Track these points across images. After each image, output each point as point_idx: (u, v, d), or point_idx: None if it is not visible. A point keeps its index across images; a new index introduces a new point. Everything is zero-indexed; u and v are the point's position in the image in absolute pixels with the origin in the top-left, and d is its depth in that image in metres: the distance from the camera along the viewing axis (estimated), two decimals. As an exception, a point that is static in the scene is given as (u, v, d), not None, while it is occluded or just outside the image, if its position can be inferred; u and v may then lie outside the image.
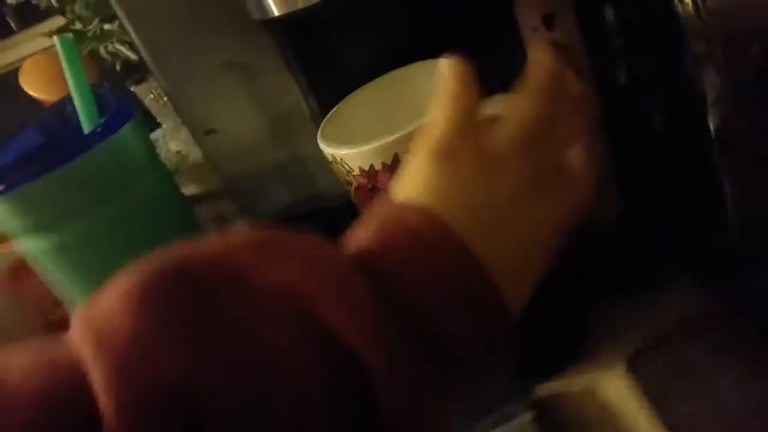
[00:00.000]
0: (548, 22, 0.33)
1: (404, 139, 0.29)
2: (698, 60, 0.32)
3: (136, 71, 0.57)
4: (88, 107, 0.38)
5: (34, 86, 0.46)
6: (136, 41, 0.35)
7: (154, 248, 0.19)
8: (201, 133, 0.38)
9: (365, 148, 0.30)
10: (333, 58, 0.36)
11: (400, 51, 0.34)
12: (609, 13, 0.33)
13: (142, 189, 0.36)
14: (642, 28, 0.36)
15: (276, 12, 0.30)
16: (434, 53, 0.34)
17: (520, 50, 0.33)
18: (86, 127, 0.38)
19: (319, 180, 0.40)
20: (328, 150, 0.32)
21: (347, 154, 0.31)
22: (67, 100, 0.42)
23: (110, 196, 0.35)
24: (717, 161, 0.34)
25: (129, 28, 0.35)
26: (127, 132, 0.35)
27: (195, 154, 0.55)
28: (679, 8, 0.32)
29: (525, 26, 0.33)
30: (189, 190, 0.53)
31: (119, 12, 0.35)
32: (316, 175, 0.40)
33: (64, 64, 0.38)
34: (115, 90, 0.39)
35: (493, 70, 0.33)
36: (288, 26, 0.33)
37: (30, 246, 0.35)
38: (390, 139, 0.30)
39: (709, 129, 0.34)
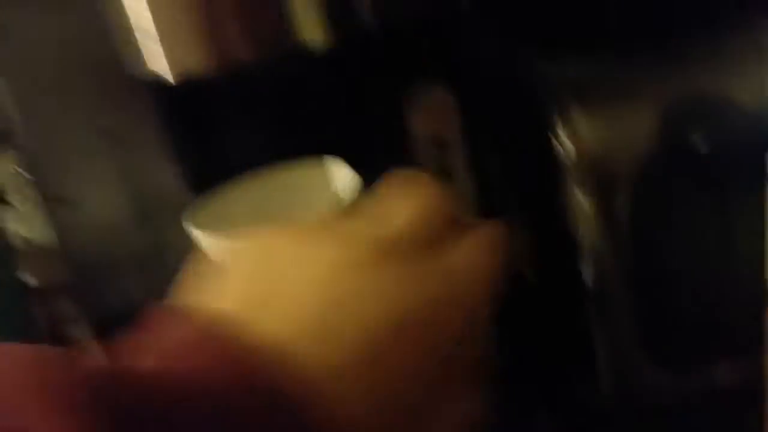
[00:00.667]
0: (438, 142, 0.34)
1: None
2: (572, 198, 0.34)
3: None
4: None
5: None
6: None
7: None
8: (56, 206, 0.34)
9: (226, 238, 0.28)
10: (217, 141, 0.34)
11: (287, 147, 0.33)
12: (492, 144, 0.35)
13: None
14: (521, 166, 0.37)
15: (167, 76, 0.28)
16: (322, 153, 0.34)
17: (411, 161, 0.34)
18: None
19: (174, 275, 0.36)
20: (195, 232, 0.30)
21: (211, 241, 0.29)
22: None
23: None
24: (591, 314, 0.34)
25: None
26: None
27: (43, 238, 0.50)
28: (556, 151, 0.33)
29: (417, 140, 0.33)
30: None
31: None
32: (179, 268, 0.36)
33: None
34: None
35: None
36: (172, 98, 0.31)
37: None
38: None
39: (581, 267, 0.34)
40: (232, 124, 0.34)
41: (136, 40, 0.29)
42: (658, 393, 0.35)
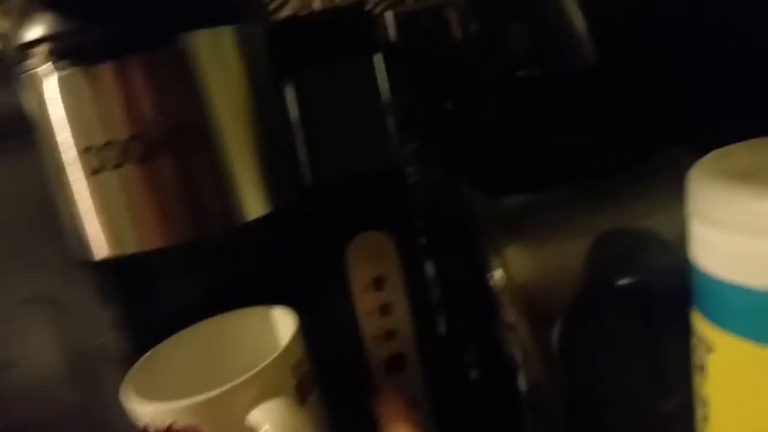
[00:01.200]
0: (378, 283, 0.34)
1: (199, 404, 0.27)
2: (507, 327, 0.35)
3: None
4: None
5: None
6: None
7: None
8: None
9: (163, 405, 0.28)
10: (156, 301, 0.34)
11: (230, 300, 0.33)
12: (430, 279, 0.36)
13: None
14: (458, 295, 0.38)
15: (101, 255, 0.28)
16: (261, 301, 0.34)
17: (348, 308, 0.34)
18: None
19: None
20: (128, 402, 0.29)
21: (145, 411, 0.28)
22: None
23: None
24: (526, 419, 0.35)
25: None
26: None
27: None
28: (491, 281, 0.34)
29: (356, 286, 0.34)
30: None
31: None
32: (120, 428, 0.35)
33: None
34: None
35: (319, 324, 0.33)
36: (112, 267, 0.31)
37: None
38: (187, 402, 0.28)
39: (517, 389, 0.35)
40: (173, 284, 0.34)
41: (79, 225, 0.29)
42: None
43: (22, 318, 0.33)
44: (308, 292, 0.34)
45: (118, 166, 0.26)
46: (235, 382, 0.28)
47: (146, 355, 0.33)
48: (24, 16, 0.27)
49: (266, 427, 0.27)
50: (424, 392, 0.36)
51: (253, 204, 0.28)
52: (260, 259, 0.34)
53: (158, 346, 0.33)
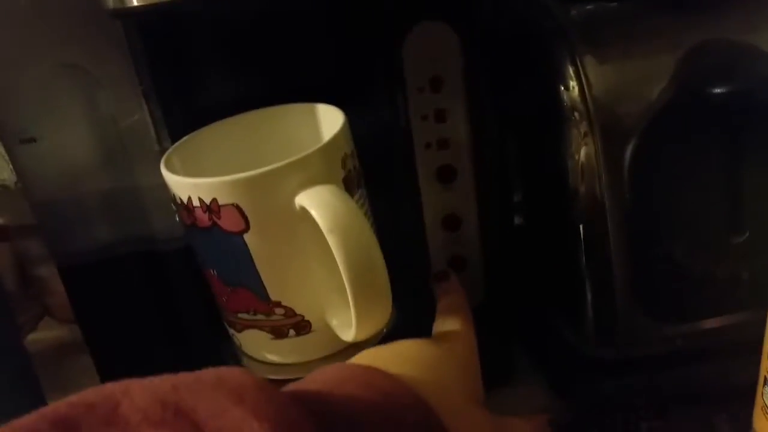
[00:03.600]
0: (435, 84, 0.31)
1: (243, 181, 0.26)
2: (573, 154, 0.32)
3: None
4: None
5: None
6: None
7: None
8: (17, 141, 0.32)
9: (206, 180, 0.27)
10: (194, 80, 0.32)
11: (268, 90, 0.31)
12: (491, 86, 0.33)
13: None
14: (521, 104, 0.35)
15: (135, 2, 0.25)
16: (306, 98, 0.32)
17: (403, 107, 0.31)
18: None
19: (153, 218, 0.34)
20: (169, 176, 0.28)
21: (187, 183, 0.27)
22: None
23: None
24: (582, 260, 0.34)
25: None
26: None
27: (5, 178, 0.47)
28: (565, 93, 0.32)
29: (411, 85, 0.31)
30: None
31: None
32: (150, 212, 0.34)
33: None
34: None
35: (367, 124, 0.30)
36: (148, 28, 0.28)
37: None
38: (228, 178, 0.26)
39: (576, 226, 0.34)
40: (212, 64, 0.32)
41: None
42: (646, 342, 0.35)
43: (52, 88, 0.31)
44: (358, 88, 0.31)
45: None
46: (282, 163, 0.26)
47: (186, 137, 0.31)
48: None
49: (313, 210, 0.25)
50: (475, 209, 0.34)
51: None
52: (310, 47, 0.32)
53: (199, 130, 0.32)
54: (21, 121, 0.32)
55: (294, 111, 0.32)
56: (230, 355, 0.33)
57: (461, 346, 0.29)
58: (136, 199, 0.34)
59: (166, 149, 0.31)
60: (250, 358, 0.32)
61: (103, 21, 0.29)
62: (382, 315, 0.27)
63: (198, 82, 0.32)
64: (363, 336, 0.27)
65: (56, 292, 0.49)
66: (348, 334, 0.28)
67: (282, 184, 0.26)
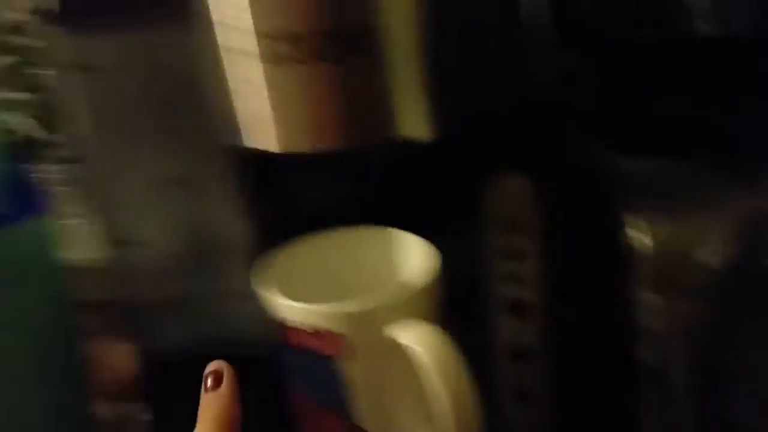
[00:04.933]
0: (513, 225, 0.34)
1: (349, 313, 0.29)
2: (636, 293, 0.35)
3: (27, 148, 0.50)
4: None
5: None
6: (75, 129, 0.32)
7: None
8: (114, 244, 0.34)
9: (313, 307, 0.29)
10: (292, 198, 0.35)
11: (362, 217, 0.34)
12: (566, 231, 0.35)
13: (30, 295, 0.30)
14: (590, 252, 0.38)
15: (257, 144, 0.29)
16: (395, 221, 0.34)
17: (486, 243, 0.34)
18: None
19: (234, 324, 0.36)
20: (266, 293, 0.31)
21: (290, 306, 0.30)
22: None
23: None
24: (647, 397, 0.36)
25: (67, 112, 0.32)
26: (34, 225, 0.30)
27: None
28: (627, 244, 0.34)
29: (492, 224, 0.34)
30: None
31: (61, 90, 0.32)
32: (232, 317, 0.36)
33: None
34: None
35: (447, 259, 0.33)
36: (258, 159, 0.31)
37: None
38: (334, 308, 0.29)
39: (636, 359, 0.35)
40: (308, 186, 0.35)
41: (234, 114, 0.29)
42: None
43: (153, 197, 0.34)
44: (442, 225, 0.34)
45: (300, 61, 0.26)
46: (388, 299, 0.29)
47: (276, 251, 0.34)
48: None
49: (419, 350, 0.28)
50: (542, 340, 0.36)
51: (415, 125, 0.28)
52: (398, 182, 0.35)
53: (288, 244, 0.35)
54: (120, 226, 0.34)
55: (386, 235, 0.35)
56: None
57: None
58: (216, 303, 0.36)
59: (259, 264, 0.34)
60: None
61: (214, 144, 0.32)
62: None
63: (293, 200, 0.35)
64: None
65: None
66: None
67: (386, 318, 0.29)
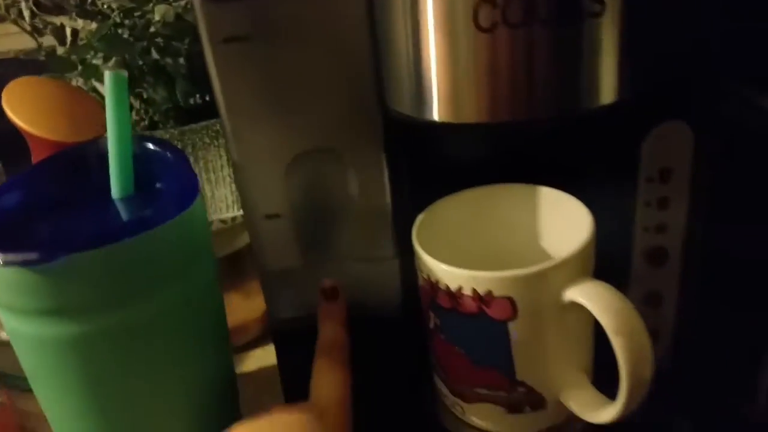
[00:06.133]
0: (665, 175, 0.34)
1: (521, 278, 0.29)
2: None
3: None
4: (125, 169, 0.32)
5: (24, 116, 0.39)
6: (220, 101, 0.31)
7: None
8: (262, 217, 0.34)
9: (485, 274, 0.29)
10: (437, 161, 0.34)
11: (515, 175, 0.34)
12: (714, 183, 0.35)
13: (191, 285, 0.31)
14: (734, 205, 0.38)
15: (437, 117, 0.28)
16: (543, 176, 0.34)
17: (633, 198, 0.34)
18: (117, 191, 0.33)
19: (371, 286, 0.37)
20: (428, 258, 0.31)
21: (462, 275, 0.30)
22: (87, 146, 0.36)
23: (155, 287, 0.30)
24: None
25: (216, 84, 0.31)
26: (192, 212, 0.30)
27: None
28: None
29: (642, 175, 0.34)
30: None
31: (212, 66, 0.31)
32: (366, 284, 0.37)
33: (108, 107, 0.32)
34: (171, 149, 0.34)
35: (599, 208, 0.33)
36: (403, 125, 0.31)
37: (39, 331, 0.29)
38: (509, 274, 0.29)
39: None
40: (455, 148, 0.34)
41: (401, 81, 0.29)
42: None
43: (299, 168, 0.34)
44: (598, 173, 0.34)
45: (512, 25, 0.25)
46: (556, 261, 0.29)
47: (422, 213, 0.34)
48: None
49: (596, 310, 0.28)
50: (677, 291, 0.36)
51: (607, 91, 0.28)
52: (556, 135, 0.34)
53: (436, 203, 0.35)
54: (267, 199, 0.34)
55: (536, 192, 0.35)
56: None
57: (333, 418, 0.31)
58: (361, 272, 0.36)
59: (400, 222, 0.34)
60: (473, 427, 0.35)
61: (364, 111, 0.32)
62: (639, 402, 0.29)
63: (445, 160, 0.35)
64: (620, 418, 0.29)
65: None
66: (601, 416, 0.30)
67: (554, 279, 0.29)
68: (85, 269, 0.27)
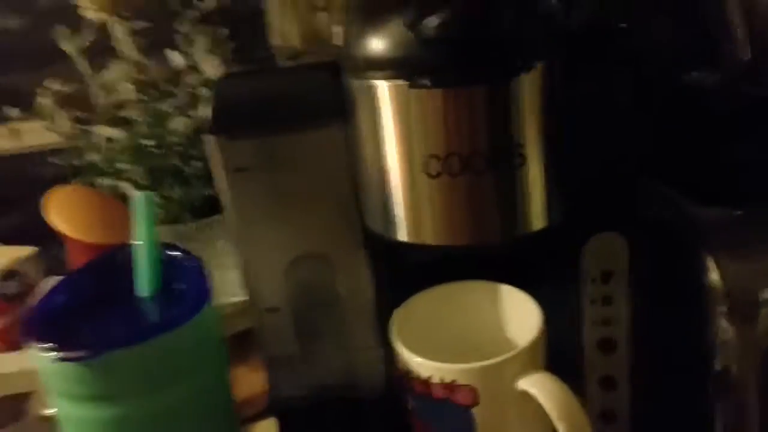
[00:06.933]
0: (605, 276, 0.40)
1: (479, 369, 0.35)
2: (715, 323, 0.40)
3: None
4: (151, 273, 0.39)
5: (64, 222, 0.46)
6: (231, 215, 0.39)
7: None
8: (263, 311, 0.41)
9: (451, 366, 0.35)
10: (410, 266, 0.41)
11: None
12: (651, 278, 0.41)
13: (207, 372, 0.38)
14: (673, 292, 0.44)
15: (407, 239, 0.35)
16: (495, 274, 0.41)
17: (580, 296, 0.41)
18: (145, 290, 0.39)
19: (359, 374, 0.43)
20: (403, 350, 0.37)
21: (431, 366, 0.36)
22: (116, 252, 0.43)
23: (178, 376, 0.36)
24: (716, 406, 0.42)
25: (228, 202, 0.38)
26: (207, 311, 0.37)
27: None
28: (707, 282, 0.40)
29: (585, 278, 0.40)
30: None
31: (224, 189, 0.38)
32: (357, 368, 0.43)
33: (139, 222, 0.39)
34: (187, 256, 0.41)
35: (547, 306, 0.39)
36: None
37: (83, 413, 0.35)
38: (469, 366, 0.35)
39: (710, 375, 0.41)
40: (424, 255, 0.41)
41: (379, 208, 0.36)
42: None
43: (293, 270, 0.40)
44: (549, 276, 0.40)
45: (453, 174, 0.32)
46: (514, 352, 0.35)
47: (399, 308, 0.40)
48: (369, 28, 0.33)
49: (542, 399, 0.34)
50: (628, 374, 0.43)
51: (537, 219, 0.35)
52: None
53: (409, 299, 0.41)
54: (268, 295, 0.41)
55: (494, 289, 0.41)
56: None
57: None
58: (350, 359, 0.42)
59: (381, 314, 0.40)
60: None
61: (348, 225, 0.39)
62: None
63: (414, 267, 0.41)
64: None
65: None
66: None
67: (508, 370, 0.35)
68: (122, 363, 0.33)
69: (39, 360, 0.35)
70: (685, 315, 0.44)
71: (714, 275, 0.40)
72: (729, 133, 0.44)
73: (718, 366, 0.41)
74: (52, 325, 0.36)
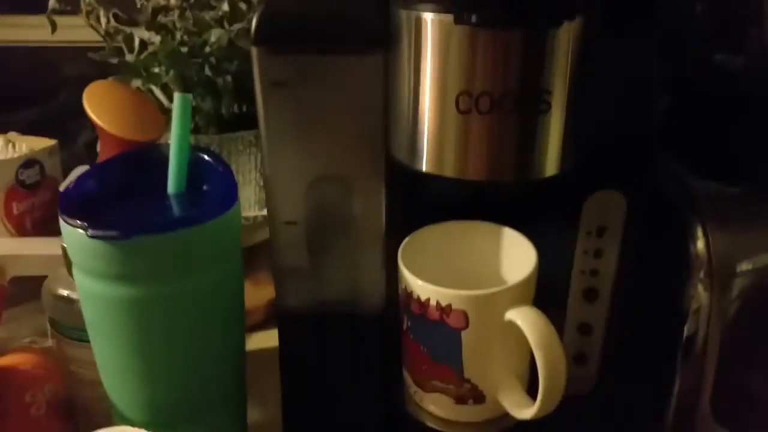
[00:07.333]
0: (601, 231, 0.43)
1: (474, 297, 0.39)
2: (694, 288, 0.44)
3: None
4: (180, 172, 0.42)
5: (102, 115, 0.48)
6: (263, 128, 0.41)
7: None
8: (282, 223, 0.43)
9: (448, 290, 0.39)
10: (428, 196, 0.44)
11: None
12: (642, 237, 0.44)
13: (225, 268, 0.41)
14: (660, 253, 0.47)
15: (430, 169, 0.38)
16: (505, 219, 0.44)
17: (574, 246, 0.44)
18: (173, 187, 0.42)
19: (363, 291, 0.46)
20: (407, 273, 0.41)
21: (430, 289, 0.39)
22: (150, 148, 0.45)
23: (199, 268, 0.39)
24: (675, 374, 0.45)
25: (261, 115, 0.41)
26: (232, 213, 0.40)
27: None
28: (693, 248, 0.43)
29: (582, 230, 0.43)
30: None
31: (260, 102, 0.40)
32: (362, 285, 0.46)
33: (175, 121, 0.41)
34: (218, 160, 0.43)
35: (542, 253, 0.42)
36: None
37: (105, 291, 0.38)
38: (465, 293, 0.39)
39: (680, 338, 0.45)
40: (439, 189, 0.44)
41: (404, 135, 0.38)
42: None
43: (313, 188, 0.43)
44: (549, 224, 0.43)
45: (482, 112, 0.35)
46: (505, 287, 0.39)
47: (408, 237, 0.44)
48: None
49: (525, 328, 0.37)
50: (605, 323, 0.46)
51: (551, 165, 0.38)
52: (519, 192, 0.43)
53: (419, 230, 0.44)
54: (287, 208, 0.44)
55: (496, 230, 0.44)
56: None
57: None
58: (355, 277, 0.45)
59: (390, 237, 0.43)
60: (428, 412, 0.44)
61: (372, 151, 0.41)
62: (554, 406, 0.38)
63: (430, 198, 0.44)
64: (537, 416, 0.39)
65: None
66: (524, 413, 0.39)
67: (499, 302, 0.39)
68: (150, 248, 0.36)
69: (70, 236, 0.38)
70: (667, 277, 0.47)
71: (700, 243, 0.43)
72: (738, 115, 0.47)
73: (687, 330, 0.44)
74: (85, 205, 0.39)
